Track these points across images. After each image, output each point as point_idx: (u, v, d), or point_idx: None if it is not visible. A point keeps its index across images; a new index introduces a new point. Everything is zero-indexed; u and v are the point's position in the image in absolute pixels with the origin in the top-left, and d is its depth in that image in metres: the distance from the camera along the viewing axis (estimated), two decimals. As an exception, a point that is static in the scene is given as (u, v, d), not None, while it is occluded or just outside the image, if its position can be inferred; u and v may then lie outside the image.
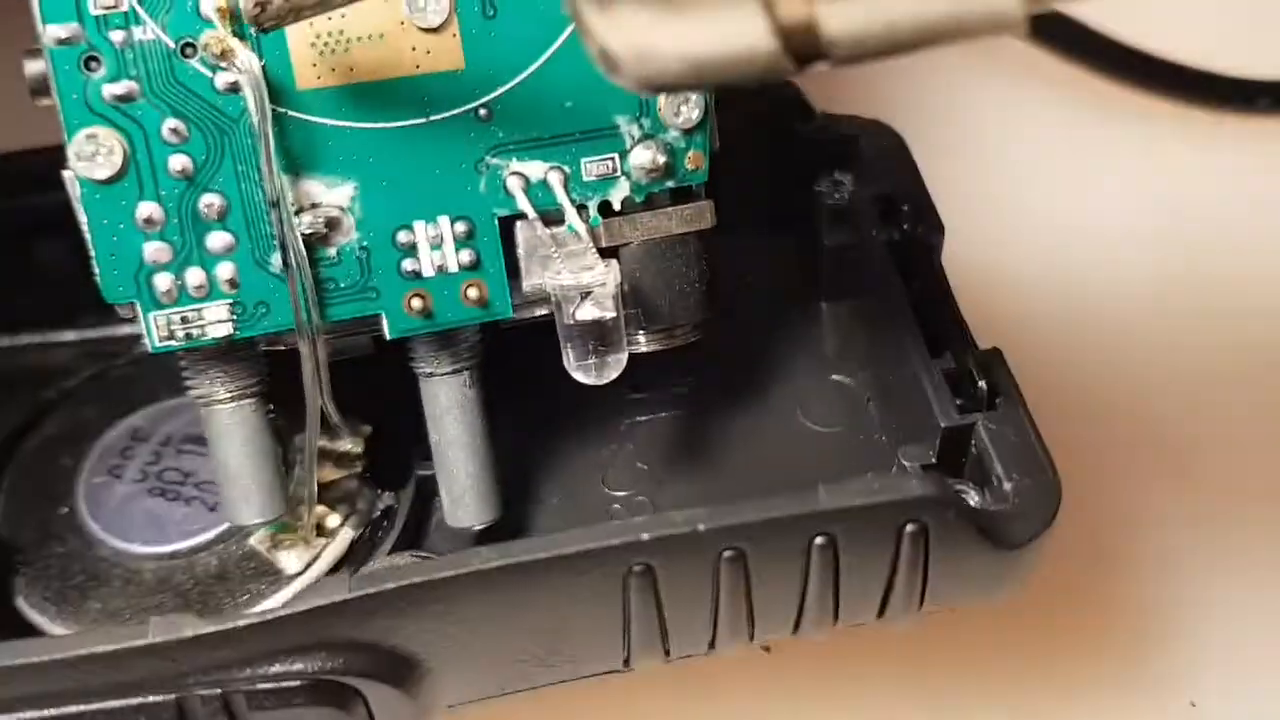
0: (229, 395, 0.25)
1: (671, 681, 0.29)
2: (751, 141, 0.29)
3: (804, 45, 0.16)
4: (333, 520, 0.26)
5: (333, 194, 0.23)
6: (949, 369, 0.25)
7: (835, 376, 0.28)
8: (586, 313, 0.24)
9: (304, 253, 0.23)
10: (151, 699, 0.21)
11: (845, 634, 0.24)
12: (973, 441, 0.24)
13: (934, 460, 0.25)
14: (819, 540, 0.21)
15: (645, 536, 0.21)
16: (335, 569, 0.25)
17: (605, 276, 0.24)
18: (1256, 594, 0.30)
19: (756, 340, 0.29)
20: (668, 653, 0.23)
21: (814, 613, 0.22)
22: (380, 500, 0.27)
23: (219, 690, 0.21)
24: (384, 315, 0.24)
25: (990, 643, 0.30)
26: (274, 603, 0.24)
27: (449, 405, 0.26)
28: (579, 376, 0.25)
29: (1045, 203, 0.38)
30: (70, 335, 0.30)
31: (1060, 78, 0.41)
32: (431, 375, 0.25)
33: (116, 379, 0.29)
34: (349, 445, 0.26)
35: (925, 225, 0.28)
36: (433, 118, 0.24)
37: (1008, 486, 0.23)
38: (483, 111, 0.24)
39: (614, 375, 0.25)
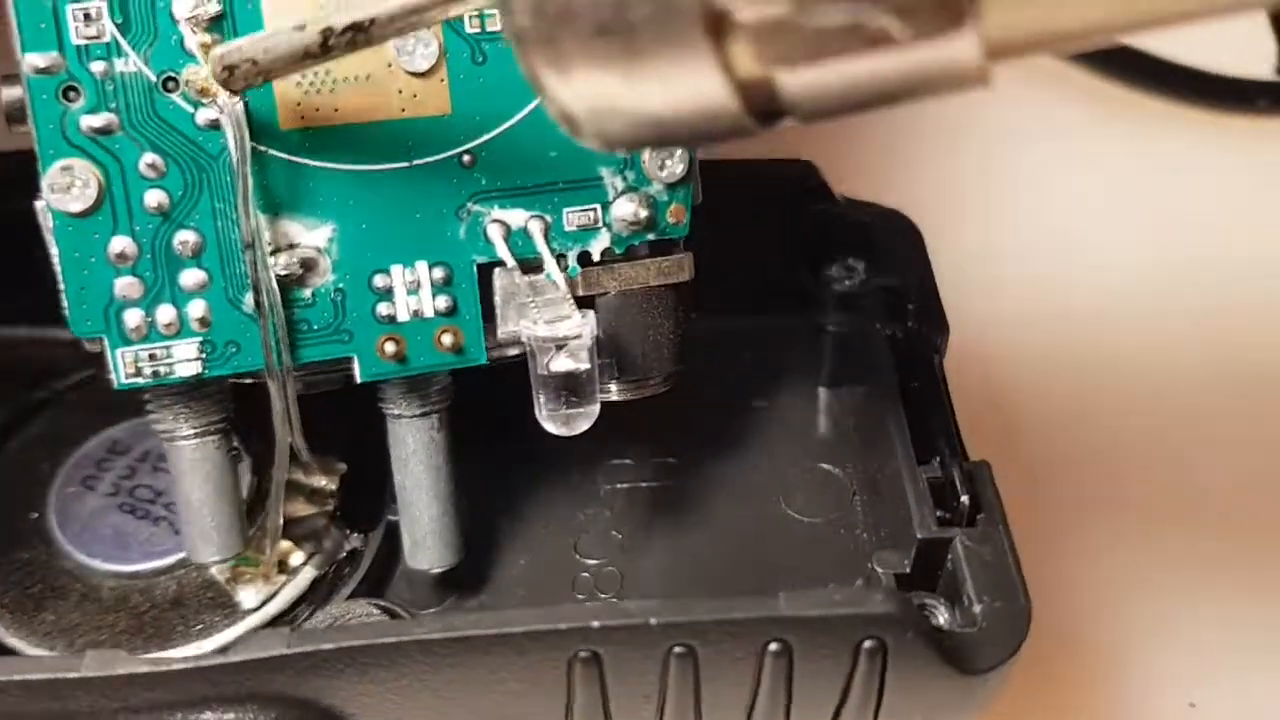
0: (193, 432, 0.24)
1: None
2: (765, 219, 0.29)
3: (764, 104, 0.16)
4: (296, 558, 0.26)
5: (311, 235, 0.23)
6: (935, 477, 0.25)
7: (824, 465, 0.28)
8: (561, 364, 0.24)
9: (277, 294, 0.23)
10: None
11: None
12: (949, 556, 0.24)
13: (908, 570, 0.25)
14: (774, 646, 0.21)
15: (595, 624, 0.21)
16: (293, 607, 0.25)
17: (582, 329, 0.24)
18: (1256, 595, 0.31)
19: (749, 418, 0.29)
20: None
21: (763, 718, 0.22)
22: (348, 541, 0.26)
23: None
24: (356, 358, 0.24)
25: None
26: (225, 637, 0.24)
27: (415, 448, 0.25)
28: (549, 426, 0.25)
29: (1041, 202, 0.38)
30: (67, 334, 0.29)
31: (1056, 77, 0.41)
32: (399, 417, 0.25)
33: (106, 386, 0.29)
34: (322, 481, 0.26)
35: (930, 323, 0.28)
36: (416, 162, 0.23)
37: (977, 609, 0.22)
38: (466, 158, 0.23)
39: (584, 427, 0.25)
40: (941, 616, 0.23)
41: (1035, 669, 0.27)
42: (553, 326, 0.24)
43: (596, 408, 0.25)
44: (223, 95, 0.22)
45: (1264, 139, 0.40)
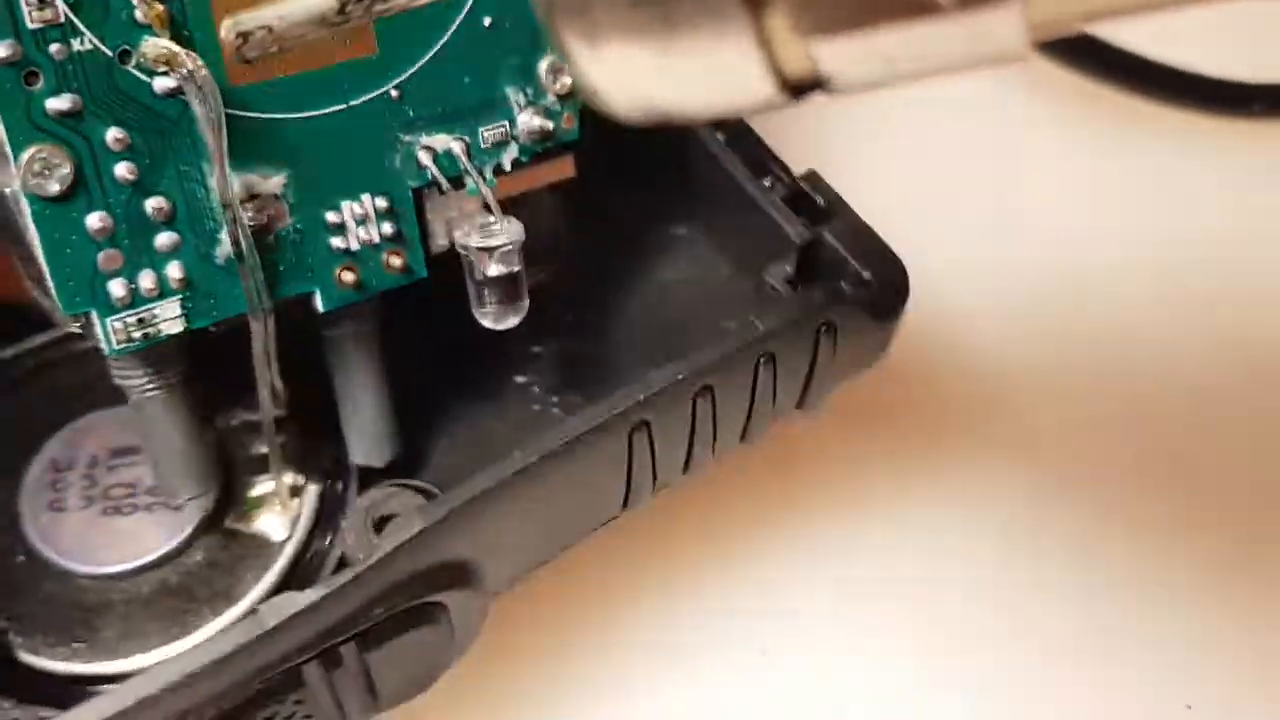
0: (163, 383, 0.25)
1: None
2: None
3: (800, 81, 0.15)
4: (296, 479, 0.27)
5: (268, 184, 0.24)
6: (784, 195, 0.29)
7: (674, 230, 0.32)
8: (496, 269, 0.27)
9: (253, 243, 0.24)
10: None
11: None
12: (821, 250, 0.28)
13: (793, 273, 0.28)
14: (763, 359, 0.26)
15: (641, 396, 0.25)
16: (315, 523, 0.27)
17: (512, 234, 0.27)
18: (1255, 597, 0.31)
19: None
20: (654, 488, 0.27)
21: (759, 415, 0.27)
22: (328, 453, 0.28)
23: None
24: (318, 291, 0.26)
25: (989, 658, 0.30)
26: (275, 572, 0.26)
27: (357, 361, 0.28)
28: (488, 323, 0.27)
29: (1035, 205, 0.38)
30: None
31: (1052, 81, 0.40)
32: (342, 335, 0.27)
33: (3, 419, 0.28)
34: (275, 411, 0.28)
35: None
36: (352, 103, 0.25)
37: (868, 275, 0.27)
38: (394, 92, 0.25)
39: (516, 321, 0.28)
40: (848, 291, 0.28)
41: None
42: (486, 237, 0.27)
43: (525, 303, 0.28)
44: (190, 64, 0.22)
45: (1259, 141, 0.39)
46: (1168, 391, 0.34)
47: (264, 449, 0.27)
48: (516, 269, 0.27)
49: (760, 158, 0.29)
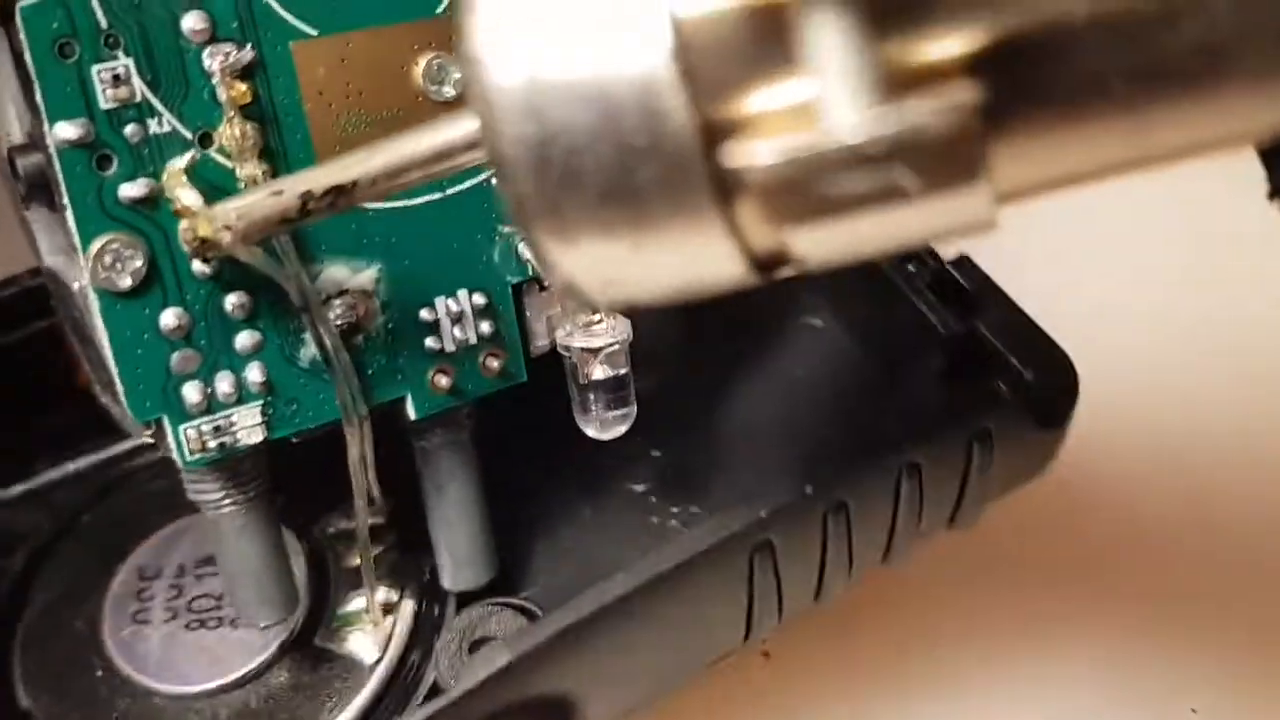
0: (242, 497, 0.23)
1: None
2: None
3: (769, 259, 0.15)
4: (390, 594, 0.25)
5: (358, 278, 0.22)
6: (928, 281, 0.26)
7: (808, 320, 0.29)
8: (601, 371, 0.25)
9: (342, 347, 0.22)
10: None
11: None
12: (975, 344, 0.25)
13: (943, 369, 0.26)
14: (907, 471, 0.23)
15: (763, 514, 0.22)
16: (408, 644, 0.25)
17: (618, 334, 0.25)
18: (1256, 600, 0.30)
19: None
20: (781, 616, 0.24)
21: (902, 534, 0.24)
22: (426, 566, 0.26)
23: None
24: (409, 395, 0.23)
25: (990, 656, 0.30)
26: (362, 698, 0.23)
27: (451, 473, 0.25)
28: (591, 431, 0.25)
29: (1038, 215, 0.38)
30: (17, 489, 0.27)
31: None
32: (435, 447, 0.25)
33: (89, 528, 0.27)
34: (370, 521, 0.25)
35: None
36: (449, 191, 0.23)
37: (1029, 375, 0.24)
38: (493, 180, 0.23)
39: (623, 430, 0.25)
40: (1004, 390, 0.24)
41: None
42: (590, 337, 0.24)
43: (634, 409, 0.25)
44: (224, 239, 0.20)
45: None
46: (1168, 389, 0.34)
47: (358, 561, 0.25)
48: (624, 372, 0.25)
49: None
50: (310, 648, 0.25)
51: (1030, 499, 0.30)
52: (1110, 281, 0.36)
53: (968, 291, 0.25)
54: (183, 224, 0.20)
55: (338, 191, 0.18)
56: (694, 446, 0.27)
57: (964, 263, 0.26)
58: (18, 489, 0.27)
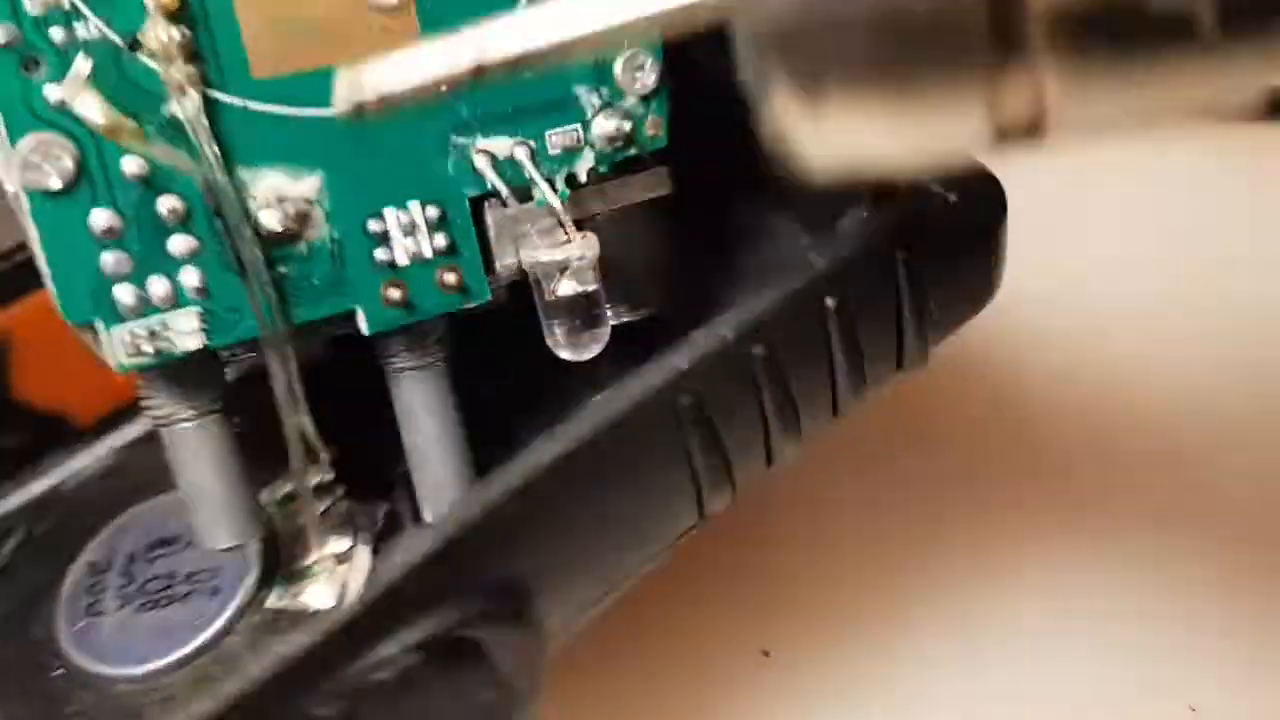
0: (193, 413, 0.23)
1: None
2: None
3: (1015, 132, 0.14)
4: (342, 544, 0.25)
5: (298, 186, 0.22)
6: None
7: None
8: (567, 288, 0.24)
9: (259, 257, 0.22)
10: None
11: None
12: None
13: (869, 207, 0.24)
14: (830, 301, 0.21)
15: (683, 365, 0.21)
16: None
17: (584, 249, 0.24)
18: (1258, 599, 0.30)
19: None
20: (734, 484, 0.23)
21: (846, 379, 0.22)
22: (379, 510, 0.25)
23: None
24: (360, 310, 0.23)
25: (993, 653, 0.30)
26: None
27: (423, 401, 0.25)
28: (563, 354, 0.24)
29: (1035, 211, 0.38)
30: None
31: None
32: (403, 370, 0.24)
33: (42, 537, 0.27)
34: (319, 477, 0.25)
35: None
36: (394, 99, 0.23)
37: (953, 198, 0.23)
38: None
39: (597, 350, 0.24)
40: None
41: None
42: (554, 251, 0.24)
43: (608, 329, 0.24)
44: (188, 98, 0.21)
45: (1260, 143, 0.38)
46: (1168, 390, 0.34)
47: (325, 505, 0.25)
48: (592, 288, 0.24)
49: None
50: (265, 610, 0.24)
51: (1028, 500, 0.32)
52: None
53: None
54: (341, 87, 0.19)
55: (516, 62, 0.16)
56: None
57: None
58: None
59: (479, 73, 0.16)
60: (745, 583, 0.30)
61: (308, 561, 0.24)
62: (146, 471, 0.26)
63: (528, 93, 0.23)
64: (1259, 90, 0.13)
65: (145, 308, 0.22)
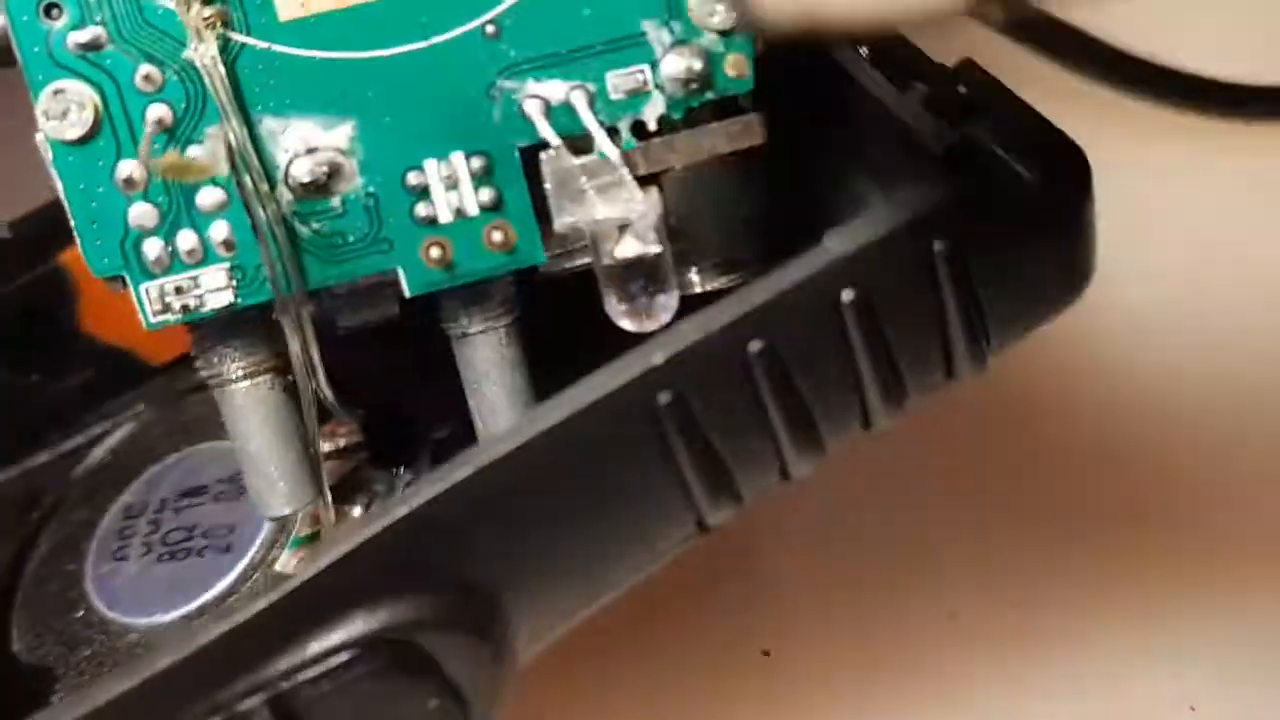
0: (243, 372, 0.22)
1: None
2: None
3: None
4: (356, 513, 0.23)
5: (329, 136, 0.21)
6: (923, 98, 0.21)
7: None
8: (627, 248, 0.21)
9: (274, 214, 0.21)
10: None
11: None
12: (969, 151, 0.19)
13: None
14: (846, 296, 0.18)
15: (659, 359, 0.18)
16: None
17: (645, 206, 0.21)
18: (1257, 599, 0.30)
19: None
20: (739, 497, 0.20)
21: (875, 387, 0.19)
22: (399, 479, 0.24)
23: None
24: (401, 270, 0.22)
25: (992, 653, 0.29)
26: None
27: (486, 368, 0.23)
28: (624, 324, 0.22)
29: None
30: (43, 456, 0.28)
31: (1047, 82, 0.39)
32: (464, 335, 0.23)
33: (96, 471, 0.28)
34: (345, 439, 0.24)
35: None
36: (434, 40, 0.21)
37: (1030, 175, 0.19)
38: (489, 28, 0.21)
39: (664, 320, 0.22)
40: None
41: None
42: (613, 207, 0.21)
43: (675, 296, 0.22)
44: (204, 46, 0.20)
45: (1256, 141, 0.38)
46: (1168, 390, 0.33)
47: (349, 468, 0.24)
48: (655, 249, 0.21)
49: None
50: (271, 572, 0.24)
51: (1029, 499, 0.31)
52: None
53: (964, 98, 0.19)
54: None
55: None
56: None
57: (966, 66, 0.20)
58: (42, 456, 0.28)
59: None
60: (745, 582, 0.30)
61: (319, 527, 0.23)
62: (206, 416, 0.25)
63: (585, 29, 0.21)
64: None
65: (173, 263, 0.21)
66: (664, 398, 0.18)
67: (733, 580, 0.30)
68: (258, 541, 0.24)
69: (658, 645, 0.29)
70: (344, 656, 0.17)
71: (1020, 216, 0.18)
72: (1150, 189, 0.36)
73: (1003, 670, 0.29)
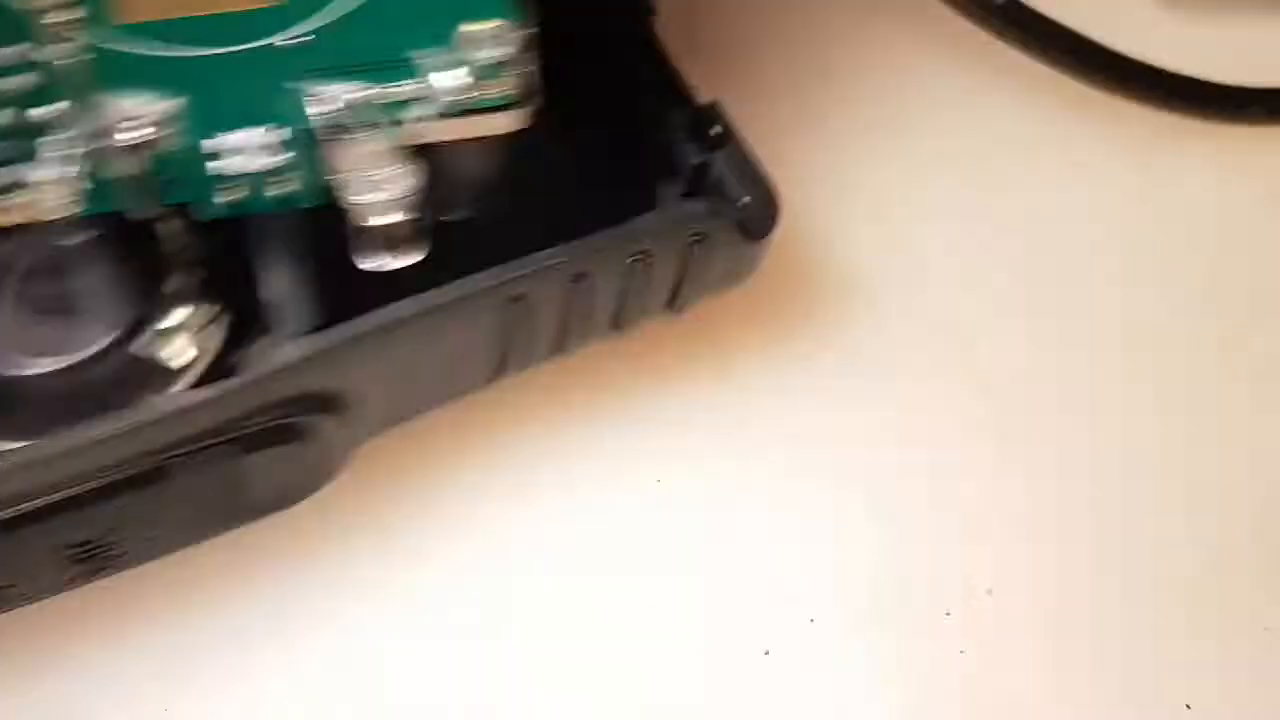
0: None
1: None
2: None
3: None
4: (208, 312, 0.28)
5: (151, 109, 0.25)
6: (684, 122, 0.30)
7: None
8: (381, 215, 0.27)
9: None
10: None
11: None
12: (712, 174, 0.30)
13: (687, 191, 0.30)
14: (635, 257, 0.29)
15: (528, 270, 0.28)
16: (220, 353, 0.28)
17: (404, 180, 0.26)
18: (1255, 597, 0.30)
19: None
20: (526, 361, 0.30)
21: (635, 302, 0.30)
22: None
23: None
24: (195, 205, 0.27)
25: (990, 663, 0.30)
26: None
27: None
28: (366, 265, 0.27)
29: (1019, 209, 0.36)
30: None
31: (1043, 82, 0.38)
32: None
33: None
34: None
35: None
36: (251, 45, 0.25)
37: (745, 199, 0.29)
38: (296, 41, 0.25)
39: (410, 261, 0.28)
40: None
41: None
42: (377, 181, 0.26)
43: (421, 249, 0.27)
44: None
45: (1257, 143, 0.38)
46: (1168, 389, 0.34)
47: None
48: (409, 218, 0.27)
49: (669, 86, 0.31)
50: (127, 356, 0.27)
51: (1028, 499, 0.31)
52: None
53: (711, 133, 0.30)
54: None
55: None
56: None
57: (714, 107, 0.30)
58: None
59: None
60: (745, 582, 0.30)
61: (172, 322, 0.28)
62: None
63: (378, 50, 0.25)
64: None
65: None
66: (516, 293, 0.28)
67: (732, 580, 0.30)
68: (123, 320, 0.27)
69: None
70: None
71: (737, 223, 0.29)
72: (1146, 192, 0.37)
73: (1002, 669, 0.29)
